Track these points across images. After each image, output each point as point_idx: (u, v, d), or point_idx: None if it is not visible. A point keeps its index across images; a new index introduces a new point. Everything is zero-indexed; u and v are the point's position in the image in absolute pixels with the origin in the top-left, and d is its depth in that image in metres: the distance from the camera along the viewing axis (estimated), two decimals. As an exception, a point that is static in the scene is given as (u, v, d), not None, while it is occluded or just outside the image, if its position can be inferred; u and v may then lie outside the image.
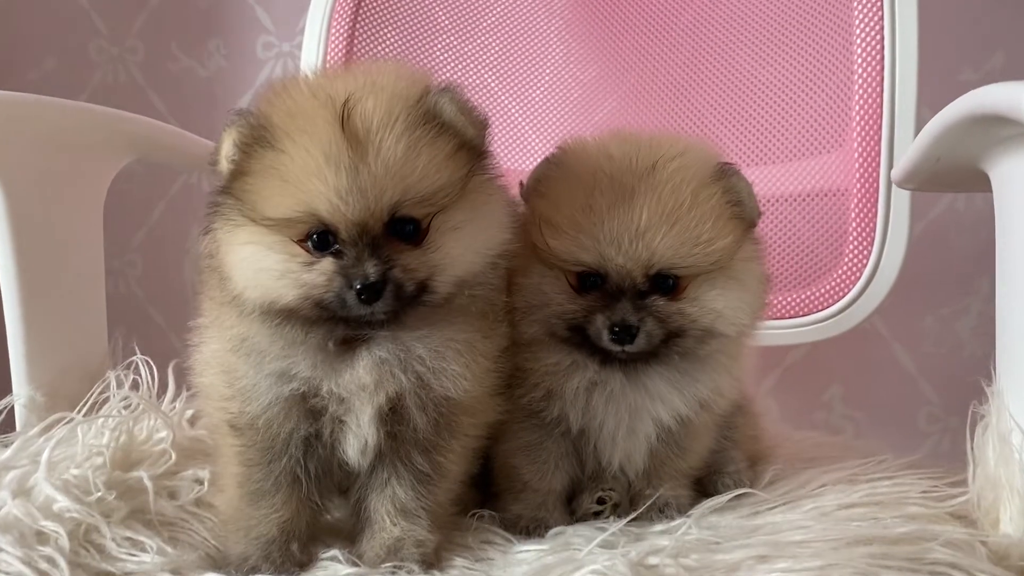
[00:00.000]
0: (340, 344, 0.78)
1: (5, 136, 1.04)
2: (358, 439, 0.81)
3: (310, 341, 0.77)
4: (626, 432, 0.93)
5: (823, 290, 1.43)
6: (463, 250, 0.77)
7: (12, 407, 1.09)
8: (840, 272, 1.41)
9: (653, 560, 0.77)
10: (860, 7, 1.36)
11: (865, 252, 1.39)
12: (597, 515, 0.95)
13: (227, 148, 0.76)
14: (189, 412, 1.12)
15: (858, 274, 1.40)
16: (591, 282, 0.88)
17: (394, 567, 0.78)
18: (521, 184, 0.95)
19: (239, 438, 0.81)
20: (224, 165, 0.76)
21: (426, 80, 0.80)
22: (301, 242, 0.75)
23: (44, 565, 0.73)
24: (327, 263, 0.74)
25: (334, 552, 0.80)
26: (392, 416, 0.81)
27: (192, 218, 2.18)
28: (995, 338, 0.90)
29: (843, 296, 1.41)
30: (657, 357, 0.89)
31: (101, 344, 1.21)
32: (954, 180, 1.01)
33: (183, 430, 1.05)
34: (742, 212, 0.89)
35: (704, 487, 1.01)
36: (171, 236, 2.19)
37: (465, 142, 0.78)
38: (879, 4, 1.35)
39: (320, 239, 0.74)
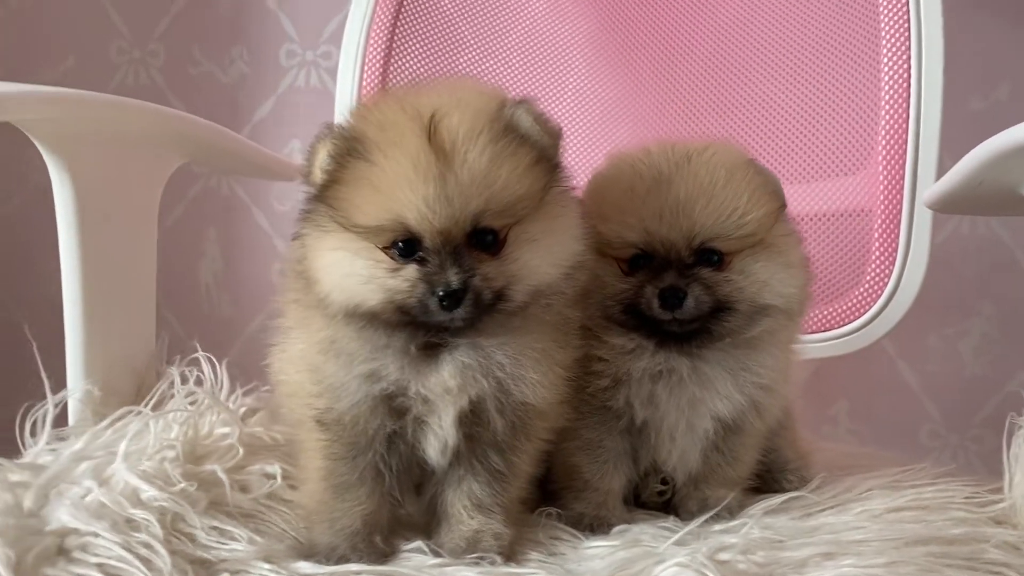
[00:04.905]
0: (422, 349, 0.82)
1: (77, 134, 1.06)
2: (439, 439, 0.85)
3: (394, 344, 0.81)
4: (685, 427, 0.97)
5: (843, 308, 1.47)
6: (539, 262, 0.81)
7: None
8: (861, 291, 1.46)
9: (724, 556, 0.80)
10: (887, 31, 1.42)
11: (886, 272, 1.44)
12: (661, 495, 1.02)
13: (322, 159, 0.80)
14: (243, 409, 1.14)
15: (878, 294, 1.45)
16: (640, 263, 0.94)
17: (477, 558, 0.81)
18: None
19: (325, 433, 0.84)
20: (318, 175, 0.81)
21: (502, 95, 0.84)
22: (386, 249, 0.79)
23: (143, 551, 0.75)
24: (411, 270, 0.78)
25: (418, 543, 0.83)
26: (472, 418, 0.84)
27: (209, 221, 2.19)
28: (1002, 358, 0.95)
29: (863, 314, 1.46)
30: (711, 336, 0.93)
31: (150, 341, 1.23)
32: (991, 203, 1.06)
33: (245, 426, 1.07)
34: (774, 190, 0.95)
35: (768, 485, 1.06)
36: (188, 238, 2.20)
37: (542, 153, 0.81)
38: (906, 28, 1.40)
39: (406, 246, 0.78)
